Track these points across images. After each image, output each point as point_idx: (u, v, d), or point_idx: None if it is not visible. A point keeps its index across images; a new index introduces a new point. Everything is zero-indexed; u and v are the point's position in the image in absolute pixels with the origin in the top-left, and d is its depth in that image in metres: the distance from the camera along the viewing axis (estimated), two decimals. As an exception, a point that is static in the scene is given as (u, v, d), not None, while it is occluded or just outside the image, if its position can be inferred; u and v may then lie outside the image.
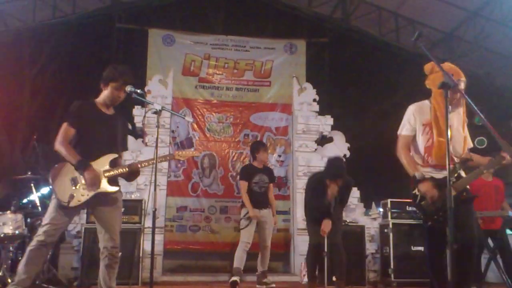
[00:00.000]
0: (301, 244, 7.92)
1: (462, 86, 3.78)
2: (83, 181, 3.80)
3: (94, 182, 3.81)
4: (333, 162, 5.77)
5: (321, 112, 8.75)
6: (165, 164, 8.10)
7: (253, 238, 6.71)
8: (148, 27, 9.36)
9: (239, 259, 6.53)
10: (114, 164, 3.99)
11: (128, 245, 6.61)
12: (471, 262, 3.71)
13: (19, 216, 6.09)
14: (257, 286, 6.64)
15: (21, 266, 3.72)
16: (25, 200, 6.95)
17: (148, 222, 6.93)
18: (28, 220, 6.29)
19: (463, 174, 3.98)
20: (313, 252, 5.81)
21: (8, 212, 6.10)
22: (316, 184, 5.83)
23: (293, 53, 9.77)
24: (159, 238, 7.58)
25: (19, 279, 3.69)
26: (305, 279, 6.97)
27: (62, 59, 9.00)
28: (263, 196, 6.80)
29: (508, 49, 9.12)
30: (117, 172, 3.96)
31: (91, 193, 3.83)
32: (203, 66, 9.45)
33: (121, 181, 7.55)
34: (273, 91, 9.49)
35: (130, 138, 8.05)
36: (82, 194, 3.80)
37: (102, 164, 3.91)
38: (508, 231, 6.96)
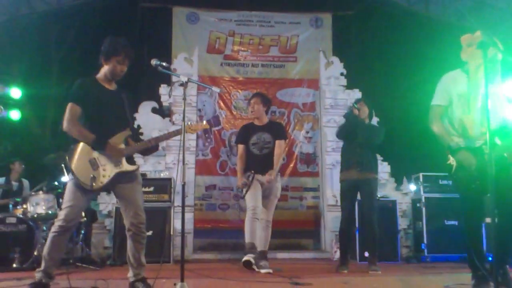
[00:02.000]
0: (331, 220, 7.87)
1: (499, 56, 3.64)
2: (102, 162, 3.74)
3: (117, 157, 3.77)
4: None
5: (349, 86, 8.59)
6: (192, 143, 8.09)
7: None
8: (172, 5, 9.28)
9: (249, 232, 5.42)
10: (128, 141, 3.93)
11: (158, 223, 6.65)
12: (511, 234, 3.58)
13: (51, 196, 6.18)
14: (254, 268, 5.37)
15: (46, 252, 3.71)
16: (55, 182, 7.01)
17: (178, 200, 6.95)
18: (60, 200, 6.36)
19: (498, 141, 3.83)
20: (344, 227, 5.73)
21: (41, 192, 6.20)
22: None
23: (319, 27, 9.58)
24: (189, 216, 7.61)
25: (45, 265, 3.70)
26: (336, 255, 6.92)
27: (87, 41, 9.02)
28: (265, 160, 5.66)
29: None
30: (133, 149, 3.91)
31: (113, 174, 3.77)
32: (228, 43, 9.34)
33: (151, 160, 7.71)
34: (299, 67, 9.35)
35: (158, 117, 8.07)
36: (103, 175, 3.73)
37: (117, 142, 3.83)
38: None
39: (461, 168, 3.71)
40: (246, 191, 5.51)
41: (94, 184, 3.68)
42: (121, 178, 3.83)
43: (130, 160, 3.91)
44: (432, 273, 5.42)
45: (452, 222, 6.90)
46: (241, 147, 5.79)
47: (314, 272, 5.59)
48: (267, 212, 5.62)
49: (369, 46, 9.54)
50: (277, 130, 5.81)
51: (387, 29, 9.59)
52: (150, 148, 4.04)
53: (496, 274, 3.27)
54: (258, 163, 5.66)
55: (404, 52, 9.35)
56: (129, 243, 3.85)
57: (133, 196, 3.86)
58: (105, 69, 3.91)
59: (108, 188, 3.93)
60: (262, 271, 5.24)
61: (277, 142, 5.69)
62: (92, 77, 3.95)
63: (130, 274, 3.88)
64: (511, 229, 3.52)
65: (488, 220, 5.40)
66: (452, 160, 3.78)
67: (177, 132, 4.10)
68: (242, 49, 9.34)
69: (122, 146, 3.85)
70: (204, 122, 4.42)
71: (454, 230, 6.78)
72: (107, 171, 3.75)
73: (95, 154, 3.75)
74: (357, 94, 8.43)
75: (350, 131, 5.75)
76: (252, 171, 5.58)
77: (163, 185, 7.00)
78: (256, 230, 5.42)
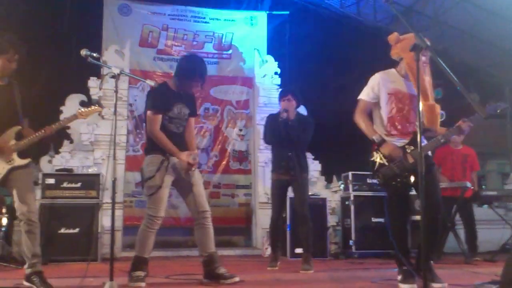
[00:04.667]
0: (262, 217, 7.92)
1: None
2: None
3: (7, 156, 3.86)
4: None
5: (282, 85, 8.67)
6: (123, 138, 7.87)
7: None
8: (103, -4, 8.99)
9: (142, 244, 4.20)
10: (20, 136, 3.96)
11: (85, 220, 6.46)
12: (436, 231, 3.74)
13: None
14: (204, 280, 4.24)
15: None
16: None
17: (106, 197, 6.75)
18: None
19: (424, 141, 3.98)
20: (273, 225, 5.74)
21: None
22: (270, 116, 5.84)
23: (254, 25, 9.62)
24: (118, 213, 7.39)
25: None
26: (267, 252, 6.97)
27: (12, 29, 8.55)
28: (182, 139, 4.31)
29: (466, 24, 9.22)
30: (24, 144, 3.94)
31: (5, 171, 3.87)
32: (161, 37, 9.19)
33: (79, 155, 7.44)
34: (234, 64, 9.35)
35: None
36: None
37: (7, 139, 3.91)
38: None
39: (383, 166, 3.82)
40: (157, 189, 4.07)
41: None
42: (13, 172, 3.91)
43: (23, 154, 3.96)
44: (360, 269, 5.56)
45: (379, 220, 7.11)
46: (159, 117, 4.16)
47: (245, 269, 5.58)
48: (203, 201, 4.27)
49: (303, 46, 9.67)
50: (194, 104, 4.53)
51: (320, 31, 9.75)
52: (46, 137, 4.03)
53: (420, 269, 3.40)
54: (177, 144, 4.18)
55: (336, 53, 9.56)
56: (22, 233, 3.91)
57: (22, 186, 3.92)
58: None
59: (3, 184, 3.97)
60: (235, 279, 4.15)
61: (192, 119, 4.46)
62: None
63: (26, 266, 3.90)
64: (433, 226, 3.67)
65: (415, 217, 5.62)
66: (375, 157, 3.88)
67: (71, 119, 4.16)
68: (176, 44, 9.21)
69: (13, 142, 3.90)
70: (97, 106, 4.34)
71: (381, 227, 7.00)
72: None
73: None
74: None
75: (276, 135, 5.59)
76: (165, 157, 4.14)
77: (90, 181, 6.77)
78: (151, 244, 4.23)
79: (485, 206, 7.72)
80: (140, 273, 4.11)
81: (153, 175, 4.07)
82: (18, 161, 3.91)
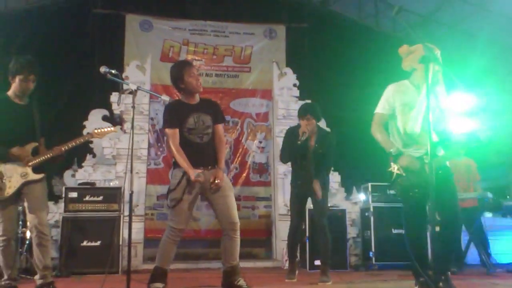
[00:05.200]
0: (282, 229, 7.92)
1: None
2: (8, 174, 4.10)
3: (23, 162, 4.13)
4: (302, 104, 5.95)
5: (301, 97, 8.71)
6: (144, 152, 8.00)
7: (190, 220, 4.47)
8: (125, 13, 9.20)
9: (162, 255, 4.26)
10: (36, 152, 4.23)
11: (107, 233, 6.57)
12: (452, 242, 3.72)
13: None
14: None
15: (2, 265, 4.15)
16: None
17: (127, 210, 6.85)
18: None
19: (441, 152, 3.98)
20: (292, 234, 5.73)
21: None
22: (289, 132, 5.78)
23: (273, 38, 9.72)
24: (139, 226, 7.52)
25: (7, 274, 4.14)
26: (287, 264, 6.96)
27: (37, 48, 8.80)
28: (207, 150, 4.32)
29: (485, 32, 9.12)
30: (39, 160, 4.21)
31: (19, 184, 4.12)
32: (182, 52, 9.34)
33: (101, 169, 7.59)
34: (253, 77, 9.44)
35: (108, 125, 7.93)
36: (9, 186, 4.09)
37: (22, 154, 4.17)
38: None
39: (401, 176, 3.81)
40: (178, 201, 4.16)
41: (0, 195, 4.06)
42: (27, 186, 4.17)
43: (37, 169, 4.22)
44: (379, 281, 5.53)
45: (399, 231, 7.03)
46: (176, 131, 4.27)
47: (264, 281, 5.61)
48: (233, 213, 4.26)
49: (322, 58, 9.68)
50: (217, 111, 4.49)
51: (339, 42, 9.75)
52: (57, 157, 4.29)
53: (438, 280, 3.39)
54: (200, 155, 4.27)
55: (355, 64, 9.53)
56: (33, 245, 4.15)
57: (35, 199, 4.18)
58: (13, 87, 4.26)
59: (18, 196, 4.22)
60: None
61: (219, 126, 4.42)
62: (3, 94, 4.31)
63: (37, 277, 4.17)
64: (451, 237, 3.65)
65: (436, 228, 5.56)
66: (393, 167, 3.88)
67: (84, 138, 4.45)
68: (196, 58, 9.35)
69: (29, 156, 4.19)
70: (113, 127, 4.74)
71: (401, 239, 6.88)
72: (13, 182, 4.11)
73: (1, 168, 4.11)
74: (309, 105, 8.55)
75: (292, 155, 5.62)
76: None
77: (112, 194, 6.91)
78: (172, 255, 4.31)
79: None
80: (159, 285, 4.13)
81: (174, 188, 4.18)
82: (32, 176, 4.17)
